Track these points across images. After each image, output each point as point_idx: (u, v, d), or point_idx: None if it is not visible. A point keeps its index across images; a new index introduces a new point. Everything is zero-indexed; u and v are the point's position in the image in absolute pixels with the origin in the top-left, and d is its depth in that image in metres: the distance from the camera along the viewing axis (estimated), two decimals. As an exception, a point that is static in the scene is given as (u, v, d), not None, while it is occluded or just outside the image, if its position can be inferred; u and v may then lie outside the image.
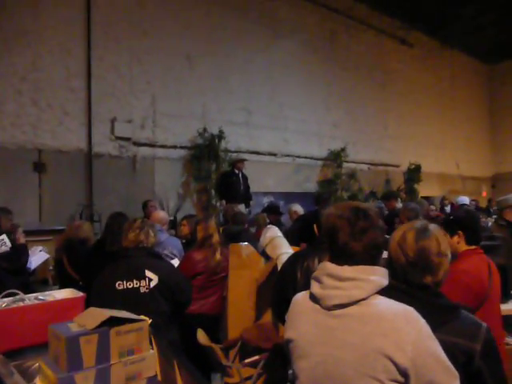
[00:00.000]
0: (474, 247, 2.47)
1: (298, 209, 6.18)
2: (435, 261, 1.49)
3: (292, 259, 2.60)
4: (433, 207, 7.78)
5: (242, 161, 7.35)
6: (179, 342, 2.84)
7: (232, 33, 8.34)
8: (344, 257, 1.38)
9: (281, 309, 1.58)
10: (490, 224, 5.92)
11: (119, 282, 2.67)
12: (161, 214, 4.72)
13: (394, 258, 1.54)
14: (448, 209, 9.65)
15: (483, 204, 12.64)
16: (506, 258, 4.27)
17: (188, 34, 7.68)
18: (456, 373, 1.26)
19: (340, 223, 1.39)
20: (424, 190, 11.73)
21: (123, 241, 2.89)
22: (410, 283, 1.49)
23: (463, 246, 2.40)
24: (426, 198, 10.70)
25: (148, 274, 2.71)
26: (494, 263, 2.91)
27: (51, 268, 4.89)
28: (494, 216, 5.45)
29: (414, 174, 11.58)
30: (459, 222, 2.37)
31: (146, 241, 2.86)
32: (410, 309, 1.30)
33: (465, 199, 8.53)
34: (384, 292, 1.35)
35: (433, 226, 1.57)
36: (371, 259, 1.38)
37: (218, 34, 8.11)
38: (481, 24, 11.91)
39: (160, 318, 2.64)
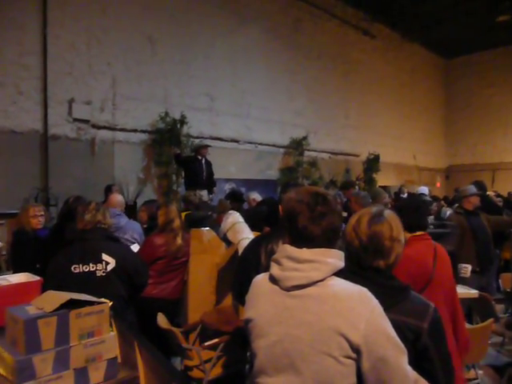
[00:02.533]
0: (419, 233, 2.56)
1: (257, 196, 6.20)
2: (387, 245, 1.56)
3: (255, 242, 2.64)
4: (386, 195, 8.05)
5: (206, 147, 7.27)
6: (136, 325, 2.84)
7: (195, 16, 8.20)
8: (303, 240, 1.43)
9: (242, 290, 1.62)
10: (448, 213, 6.21)
11: (75, 266, 2.63)
12: (118, 198, 4.59)
13: (348, 242, 1.60)
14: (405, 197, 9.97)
15: (440, 194, 13.12)
16: (456, 244, 4.52)
17: (150, 14, 7.49)
18: (404, 349, 1.34)
19: (300, 207, 1.44)
20: (382, 179, 12.08)
21: (78, 223, 2.83)
22: (363, 266, 1.56)
23: (406, 234, 2.47)
24: (384, 188, 11.05)
25: (105, 257, 2.69)
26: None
27: (4, 253, 4.73)
28: (456, 205, 5.79)
29: (372, 163, 11.86)
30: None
31: (104, 221, 2.83)
32: (364, 289, 1.37)
33: (424, 189, 8.86)
34: (340, 274, 1.41)
35: (387, 212, 1.64)
36: (329, 242, 1.44)
37: (181, 16, 7.96)
38: (439, 19, 12.28)
39: (117, 302, 2.63)
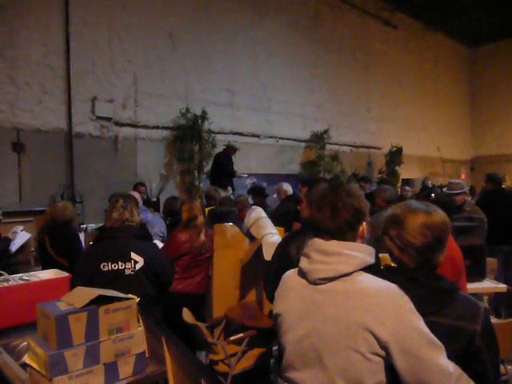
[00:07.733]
0: None
1: (289, 189, 6.14)
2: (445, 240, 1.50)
3: (286, 240, 2.62)
4: (408, 188, 7.95)
5: (235, 150, 7.45)
6: (163, 321, 2.85)
7: (215, 11, 8.19)
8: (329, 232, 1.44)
9: (275, 290, 1.61)
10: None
11: (104, 264, 2.61)
12: (134, 195, 4.62)
13: (412, 241, 1.45)
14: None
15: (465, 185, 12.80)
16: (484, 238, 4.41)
17: (170, 11, 7.52)
18: (441, 345, 1.28)
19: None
20: (405, 172, 11.88)
21: (106, 221, 2.82)
22: (425, 266, 1.47)
23: None
24: (407, 180, 10.89)
25: (133, 256, 2.66)
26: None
27: (33, 249, 4.84)
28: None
29: (395, 156, 11.68)
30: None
31: (131, 219, 2.79)
32: (393, 285, 1.34)
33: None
34: (385, 276, 1.39)
35: (434, 206, 1.56)
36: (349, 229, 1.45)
37: (201, 12, 7.97)
38: (463, 7, 11.94)
39: (144, 300, 2.64)
